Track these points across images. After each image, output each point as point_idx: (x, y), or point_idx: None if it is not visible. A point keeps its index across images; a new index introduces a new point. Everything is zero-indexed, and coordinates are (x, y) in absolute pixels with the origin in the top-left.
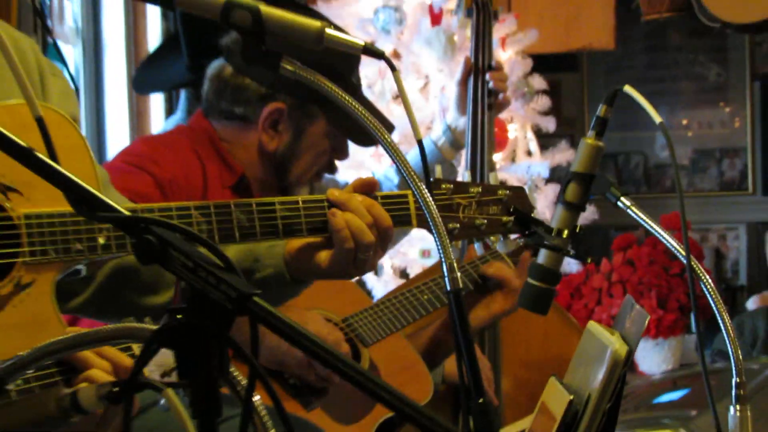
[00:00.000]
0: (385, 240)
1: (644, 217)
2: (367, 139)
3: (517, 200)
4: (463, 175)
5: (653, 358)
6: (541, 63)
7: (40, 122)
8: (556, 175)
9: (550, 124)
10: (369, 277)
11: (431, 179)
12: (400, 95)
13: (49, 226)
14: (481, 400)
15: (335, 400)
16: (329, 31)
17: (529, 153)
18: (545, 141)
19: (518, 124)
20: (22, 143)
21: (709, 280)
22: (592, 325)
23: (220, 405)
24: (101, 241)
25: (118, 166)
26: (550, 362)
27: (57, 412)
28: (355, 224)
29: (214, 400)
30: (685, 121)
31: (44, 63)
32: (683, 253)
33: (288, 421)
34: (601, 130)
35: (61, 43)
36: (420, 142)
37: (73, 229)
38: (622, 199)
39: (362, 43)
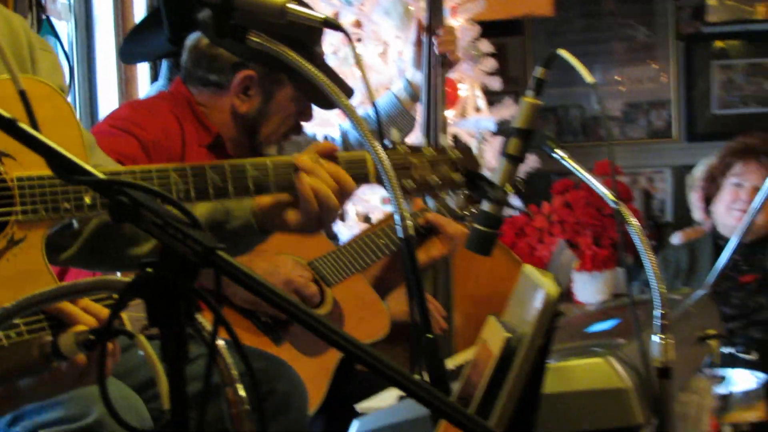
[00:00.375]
0: (346, 198)
1: (576, 166)
2: (328, 103)
3: (466, 160)
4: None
5: (589, 290)
6: (489, 28)
7: (22, 95)
8: (502, 128)
9: (495, 83)
10: (335, 222)
11: (390, 143)
12: (356, 63)
13: (39, 187)
14: (429, 336)
15: (303, 335)
16: (291, 5)
17: (477, 109)
18: (492, 98)
19: (468, 84)
20: (5, 114)
21: (635, 222)
22: (527, 267)
23: (187, 350)
24: (87, 200)
25: (105, 129)
26: (496, 298)
27: (40, 358)
28: (322, 190)
29: (181, 345)
30: (618, 78)
31: (34, 39)
32: (612, 197)
33: (246, 357)
34: (539, 89)
35: (54, 20)
36: (375, 105)
37: (62, 189)
38: (557, 150)
39: (322, 17)
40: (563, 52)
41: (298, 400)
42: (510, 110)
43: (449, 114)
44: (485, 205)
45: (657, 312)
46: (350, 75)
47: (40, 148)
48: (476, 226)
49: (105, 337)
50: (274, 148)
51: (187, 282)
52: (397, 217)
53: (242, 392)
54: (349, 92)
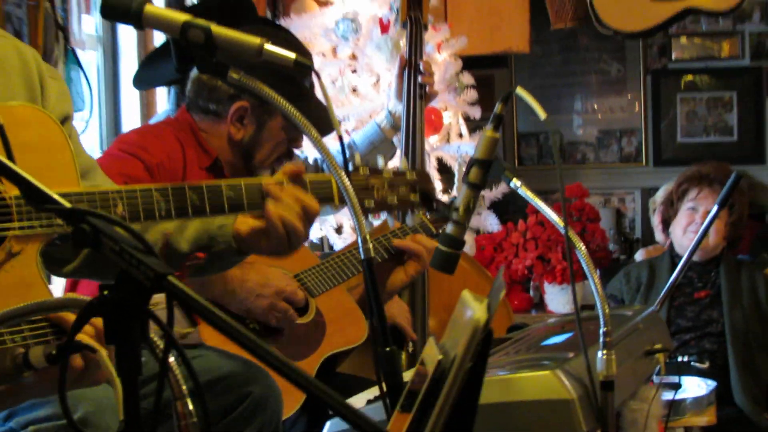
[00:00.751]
0: (312, 221)
1: (530, 195)
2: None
3: (423, 182)
4: (400, 155)
5: (559, 300)
6: (477, 61)
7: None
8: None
9: (476, 113)
10: (331, 235)
11: (351, 167)
12: (323, 93)
13: None
14: (387, 349)
15: (287, 341)
16: (267, 46)
17: (460, 135)
18: (474, 126)
19: (451, 112)
20: None
21: (582, 246)
22: (465, 293)
23: (140, 365)
24: None
25: (114, 153)
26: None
27: (12, 368)
28: (287, 216)
29: (135, 360)
30: (595, 106)
31: (44, 68)
32: (561, 223)
33: (195, 377)
34: (498, 124)
35: (79, 51)
36: (341, 138)
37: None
38: (514, 180)
39: (293, 57)
40: (521, 91)
41: (273, 402)
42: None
43: (434, 139)
44: (448, 228)
45: (601, 329)
46: (345, 102)
47: (12, 177)
48: (440, 247)
49: (67, 351)
50: (267, 171)
51: (140, 304)
52: (359, 240)
53: (191, 406)
54: (329, 126)
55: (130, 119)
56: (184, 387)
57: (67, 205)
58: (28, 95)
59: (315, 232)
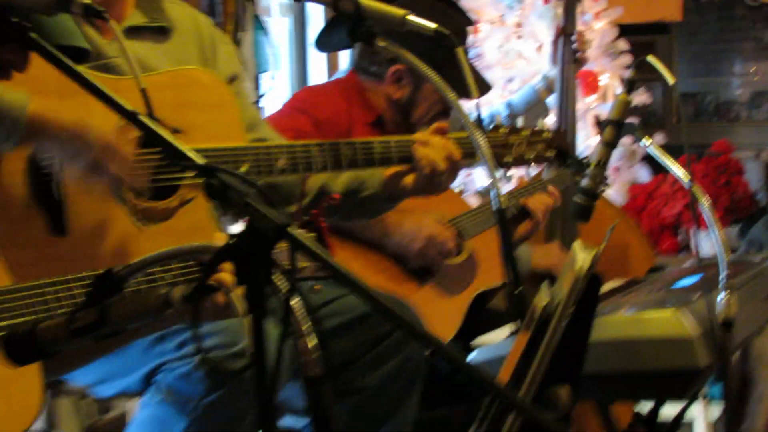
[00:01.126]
0: (455, 168)
1: (659, 153)
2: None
3: (558, 140)
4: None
5: (706, 245)
6: (640, 27)
7: (143, 93)
8: (637, 111)
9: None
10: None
11: (493, 125)
12: (461, 58)
13: (204, 156)
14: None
15: (443, 278)
16: (409, 17)
17: (615, 96)
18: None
19: (609, 74)
20: (128, 107)
21: (706, 200)
22: (576, 244)
23: (266, 305)
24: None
25: (285, 110)
26: (615, 250)
27: (155, 306)
28: (432, 156)
29: (260, 301)
30: (753, 69)
31: (215, 34)
32: (686, 178)
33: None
34: (630, 88)
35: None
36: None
37: (223, 160)
38: (644, 139)
39: (434, 27)
40: (652, 59)
41: None
42: (642, 97)
43: (591, 99)
44: (583, 181)
45: (721, 274)
46: (513, 65)
47: (152, 136)
48: (576, 199)
49: (201, 292)
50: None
51: (264, 250)
52: (492, 192)
53: (312, 342)
54: (485, 86)
55: (317, 80)
56: (304, 326)
57: (199, 162)
58: (200, 58)
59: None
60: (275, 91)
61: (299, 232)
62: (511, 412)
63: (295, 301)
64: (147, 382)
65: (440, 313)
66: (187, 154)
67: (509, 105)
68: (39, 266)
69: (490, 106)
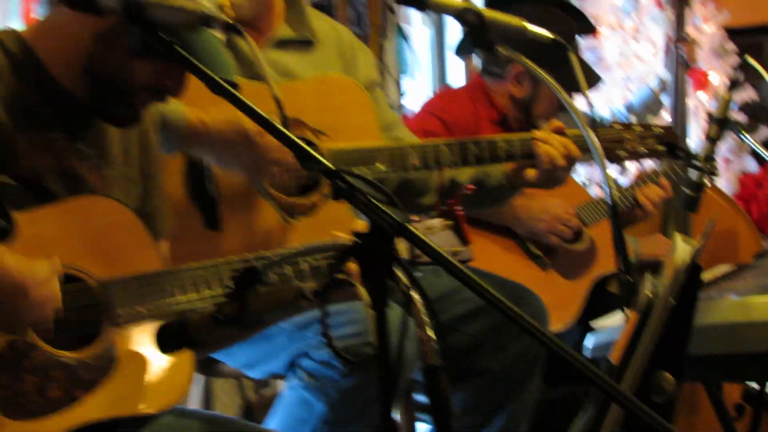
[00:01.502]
0: (572, 164)
1: (757, 146)
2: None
3: (668, 135)
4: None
5: None
6: (748, 29)
7: (277, 101)
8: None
9: (740, 75)
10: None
11: (609, 123)
12: (573, 62)
13: (345, 154)
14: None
15: (564, 263)
16: (530, 27)
17: None
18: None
19: (717, 74)
20: (263, 114)
21: None
22: (676, 235)
23: (387, 297)
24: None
25: (420, 114)
26: (723, 236)
27: (290, 299)
28: (552, 153)
29: (382, 293)
30: None
31: (355, 43)
32: None
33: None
34: (733, 87)
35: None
36: (590, 104)
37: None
38: (743, 133)
39: (552, 36)
40: (750, 59)
41: (540, 320)
42: (748, 93)
43: (703, 96)
44: (691, 174)
45: None
46: (630, 66)
47: (285, 141)
48: (684, 190)
49: (329, 287)
50: (545, 122)
51: (385, 247)
52: (605, 186)
53: (431, 333)
54: (596, 78)
55: (456, 82)
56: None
57: (328, 166)
58: (342, 66)
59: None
60: (416, 93)
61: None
62: (617, 402)
63: (415, 294)
64: (291, 366)
65: (563, 296)
66: (316, 157)
67: (629, 106)
68: (193, 258)
69: (611, 105)
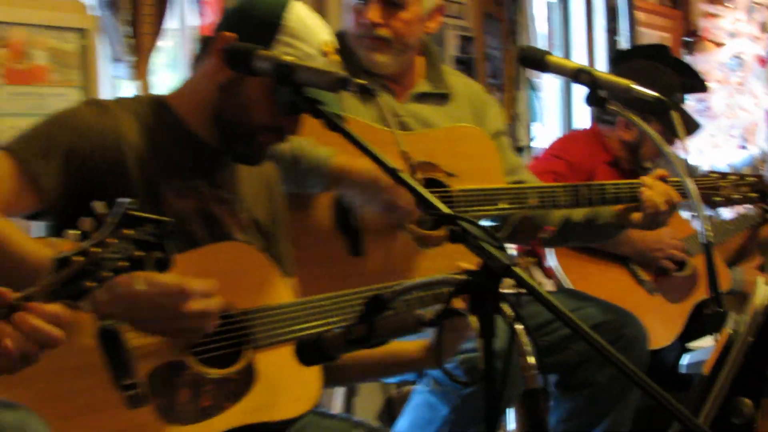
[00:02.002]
0: (673, 209)
1: None
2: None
3: (761, 183)
4: None
5: None
6: None
7: (404, 154)
8: None
9: None
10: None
11: (706, 173)
12: (671, 111)
13: (471, 196)
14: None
15: (669, 288)
16: (634, 87)
17: None
18: None
19: None
20: (391, 166)
21: None
22: (759, 278)
23: (495, 329)
24: (504, 205)
25: (545, 156)
26: None
27: (411, 324)
28: (655, 198)
29: (490, 326)
30: None
31: (486, 98)
32: None
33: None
34: None
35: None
36: (686, 150)
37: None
38: None
39: (654, 95)
40: None
41: (641, 340)
42: None
43: None
44: None
45: None
46: (736, 116)
47: (413, 192)
48: None
49: (443, 316)
50: (650, 164)
51: (493, 285)
52: (699, 227)
53: (531, 360)
54: (696, 126)
55: (582, 126)
56: (528, 347)
57: (444, 212)
58: (473, 118)
59: None
60: (544, 138)
61: (520, 271)
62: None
63: (518, 326)
64: (421, 374)
65: (665, 318)
66: (435, 204)
67: (731, 166)
68: (337, 280)
69: (716, 147)
